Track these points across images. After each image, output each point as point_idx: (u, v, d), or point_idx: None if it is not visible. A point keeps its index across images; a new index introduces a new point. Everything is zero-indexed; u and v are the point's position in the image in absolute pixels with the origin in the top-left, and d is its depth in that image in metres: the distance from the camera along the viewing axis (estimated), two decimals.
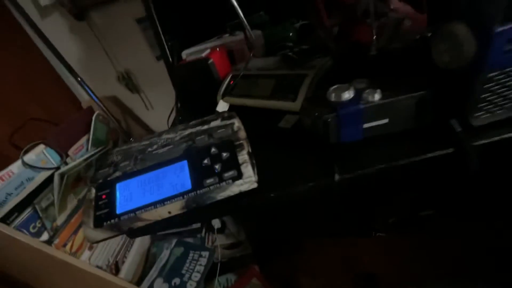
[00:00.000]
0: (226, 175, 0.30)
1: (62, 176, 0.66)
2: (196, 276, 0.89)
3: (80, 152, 0.85)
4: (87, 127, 0.89)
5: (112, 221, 0.32)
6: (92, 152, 0.80)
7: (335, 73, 0.44)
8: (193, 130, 0.37)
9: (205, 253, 0.94)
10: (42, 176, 0.72)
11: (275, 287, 0.85)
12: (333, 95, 0.31)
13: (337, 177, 0.28)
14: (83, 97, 1.11)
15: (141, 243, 0.88)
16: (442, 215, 0.84)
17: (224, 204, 0.31)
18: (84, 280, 0.71)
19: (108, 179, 0.35)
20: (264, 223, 0.88)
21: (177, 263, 0.94)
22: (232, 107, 0.53)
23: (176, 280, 0.89)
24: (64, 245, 0.67)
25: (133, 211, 0.31)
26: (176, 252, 0.98)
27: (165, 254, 0.97)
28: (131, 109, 1.14)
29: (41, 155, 0.76)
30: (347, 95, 0.31)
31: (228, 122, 0.36)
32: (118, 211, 0.32)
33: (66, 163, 0.79)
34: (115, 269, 0.77)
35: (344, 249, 0.92)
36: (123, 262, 0.79)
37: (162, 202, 0.30)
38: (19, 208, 0.63)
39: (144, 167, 0.34)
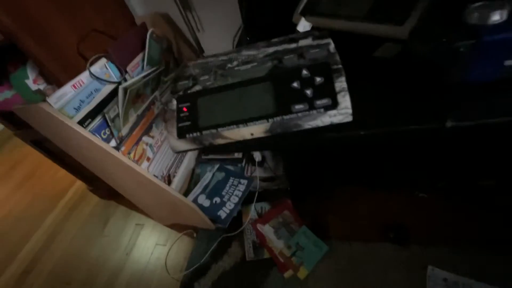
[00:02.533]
0: (319, 102, 0.27)
1: (125, 90, 0.69)
2: (235, 199, 0.98)
3: (137, 69, 0.87)
4: (142, 44, 0.89)
5: (195, 134, 0.33)
6: (149, 71, 0.81)
7: None
8: (279, 48, 0.33)
9: (244, 181, 1.02)
10: (107, 88, 0.77)
11: (304, 221, 0.92)
12: (475, 14, 0.23)
13: (450, 123, 0.24)
14: (136, 12, 1.08)
15: (188, 162, 0.97)
16: (501, 188, 0.77)
17: (311, 134, 0.29)
18: (144, 185, 0.83)
19: (189, 92, 0.35)
20: (306, 163, 0.89)
21: (218, 185, 1.04)
22: (315, 29, 0.44)
23: (217, 199, 1.00)
24: (129, 153, 0.76)
25: (215, 126, 0.31)
26: (218, 175, 1.07)
27: (208, 175, 1.07)
28: (181, 29, 1.09)
29: (104, 68, 0.80)
30: (498, 16, 0.22)
31: (322, 42, 0.31)
32: (200, 125, 0.32)
33: (125, 80, 0.82)
34: (168, 180, 0.87)
35: (379, 200, 0.92)
36: (174, 176, 0.89)
37: (245, 122, 0.29)
38: (92, 115, 0.70)
39: (226, 83, 0.33)
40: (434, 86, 0.26)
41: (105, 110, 0.68)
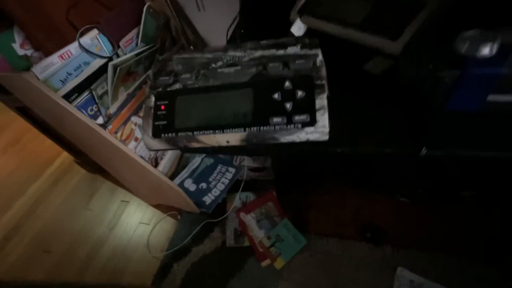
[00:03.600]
0: (297, 118, 0.27)
1: (115, 68, 0.67)
2: (221, 186, 0.99)
3: (130, 45, 0.84)
4: (137, 19, 0.85)
5: (170, 135, 0.32)
6: (142, 49, 0.78)
7: (467, 10, 0.28)
8: (266, 53, 0.32)
9: (232, 169, 1.02)
10: (97, 62, 0.73)
11: (286, 214, 0.94)
12: (466, 44, 0.22)
13: (424, 151, 0.24)
14: None
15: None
16: (481, 199, 0.80)
17: (285, 148, 0.29)
18: (130, 165, 0.82)
19: (168, 89, 0.34)
20: (291, 160, 0.89)
21: (206, 171, 1.04)
22: (309, 32, 0.42)
23: (203, 185, 1.00)
24: (116, 132, 0.74)
25: (191, 130, 0.30)
26: (207, 161, 1.06)
27: (196, 160, 1.07)
28: (182, 6, 1.04)
29: (95, 40, 0.76)
30: (488, 49, 0.21)
31: (310, 52, 0.30)
32: (176, 126, 0.32)
33: (118, 55, 0.79)
34: (155, 162, 0.87)
35: (361, 200, 0.95)
36: (162, 158, 0.88)
37: (221, 128, 0.29)
38: (78, 89, 0.67)
39: (207, 85, 0.32)
40: (417, 109, 0.26)
41: (92, 86, 0.66)
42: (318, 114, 0.27)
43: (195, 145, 0.32)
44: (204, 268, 0.90)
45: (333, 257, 0.86)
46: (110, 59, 0.72)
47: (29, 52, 0.81)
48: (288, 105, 0.28)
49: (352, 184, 0.91)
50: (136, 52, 0.74)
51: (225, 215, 0.96)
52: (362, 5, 0.35)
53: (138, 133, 0.83)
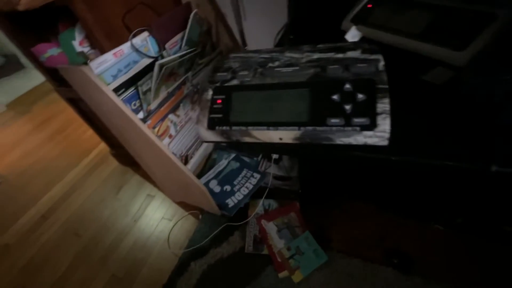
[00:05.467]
0: (356, 120, 0.26)
1: (161, 66, 0.71)
2: (244, 191, 0.99)
3: (174, 48, 0.89)
4: (183, 24, 0.91)
5: (224, 127, 0.33)
6: (186, 51, 0.83)
7: None
8: (324, 55, 0.32)
9: (257, 175, 1.02)
10: (144, 62, 0.79)
11: (308, 227, 0.91)
12: None
13: (494, 167, 0.22)
14: None
15: (207, 146, 0.99)
16: None
17: (340, 150, 0.28)
18: (161, 160, 0.86)
19: (226, 84, 0.35)
20: (321, 171, 0.88)
21: (231, 174, 1.05)
22: (363, 40, 0.41)
23: (227, 187, 1.01)
24: (154, 127, 0.79)
25: (246, 124, 0.31)
26: (233, 164, 1.08)
27: (223, 163, 1.09)
28: (224, 14, 1.09)
29: (144, 42, 0.82)
30: None
31: (371, 57, 0.30)
32: (231, 120, 0.33)
33: (162, 56, 0.85)
34: (185, 160, 0.89)
35: (390, 222, 0.89)
36: (191, 157, 0.91)
37: (276, 125, 0.29)
38: (126, 85, 0.73)
39: (264, 82, 0.33)
40: (484, 123, 0.24)
41: (139, 83, 0.70)
42: (379, 118, 0.26)
43: (247, 139, 0.32)
44: (220, 271, 0.89)
45: (355, 279, 0.81)
46: (156, 59, 0.77)
47: (85, 50, 0.90)
48: (348, 107, 0.27)
49: (382, 204, 0.86)
50: (180, 54, 0.79)
51: (246, 220, 0.96)
52: (421, 15, 0.34)
53: (173, 131, 0.87)
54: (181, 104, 0.90)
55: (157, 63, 0.70)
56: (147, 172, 1.07)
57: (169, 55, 0.86)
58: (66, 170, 1.50)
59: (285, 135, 0.29)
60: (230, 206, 0.96)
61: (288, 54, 0.35)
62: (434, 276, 0.77)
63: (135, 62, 0.79)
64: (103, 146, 1.58)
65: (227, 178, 1.04)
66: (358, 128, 0.26)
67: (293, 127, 0.29)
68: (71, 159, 1.59)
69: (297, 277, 0.83)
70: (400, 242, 0.86)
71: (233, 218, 0.97)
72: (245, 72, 0.34)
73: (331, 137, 0.27)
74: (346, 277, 0.82)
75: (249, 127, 0.31)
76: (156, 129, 0.80)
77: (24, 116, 2.20)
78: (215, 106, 0.33)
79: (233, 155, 1.11)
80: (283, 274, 0.84)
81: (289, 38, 0.55)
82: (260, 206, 0.99)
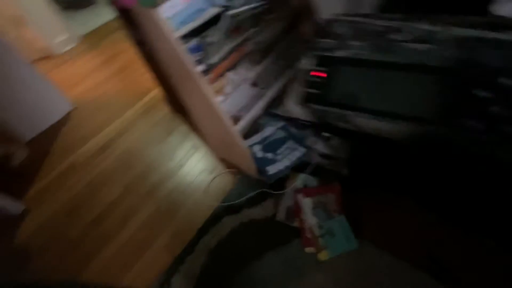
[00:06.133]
0: (508, 129, 0.19)
1: (230, 17, 0.67)
2: (286, 162, 0.98)
3: None
4: None
5: (320, 106, 0.28)
6: (258, 4, 0.76)
7: None
8: (473, 33, 0.24)
9: (302, 149, 0.99)
10: (210, 11, 0.75)
11: (345, 212, 0.88)
12: None
13: None
14: None
15: (257, 110, 0.96)
16: None
17: (461, 158, 0.22)
18: (212, 115, 0.87)
19: (332, 55, 0.29)
20: (376, 160, 0.81)
21: (276, 142, 1.03)
22: None
23: (270, 155, 1.01)
24: (212, 83, 0.78)
25: (350, 108, 0.26)
26: (279, 133, 1.05)
27: (270, 129, 1.07)
28: None
29: None
30: None
31: None
32: (332, 99, 0.27)
33: (229, 7, 0.79)
34: (234, 120, 0.89)
35: (436, 228, 0.82)
36: (241, 118, 0.90)
37: (390, 116, 0.23)
38: (192, 34, 0.71)
39: (385, 59, 0.26)
40: None
41: (204, 34, 0.68)
42: None
43: (344, 125, 0.27)
44: (249, 231, 0.94)
45: (381, 274, 0.79)
46: (225, 8, 0.72)
47: None
48: (497, 108, 0.20)
49: (433, 207, 0.78)
50: (253, 5, 0.72)
51: (283, 191, 0.96)
52: None
53: (228, 89, 0.86)
54: (241, 62, 0.86)
55: (227, 13, 0.66)
56: (196, 124, 1.10)
57: (236, 6, 0.80)
58: (124, 108, 1.64)
59: (394, 130, 0.24)
60: (269, 173, 0.96)
61: (418, 26, 0.27)
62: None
63: (202, 10, 0.76)
64: (158, 90, 1.66)
65: (271, 145, 1.03)
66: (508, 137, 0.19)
67: (412, 123, 0.22)
68: (129, 98, 1.71)
69: (323, 255, 0.83)
70: (440, 247, 0.79)
71: (270, 185, 0.98)
72: (358, 43, 0.28)
73: (463, 144, 0.21)
74: (372, 269, 0.80)
75: (353, 112, 0.25)
76: (214, 86, 0.79)
77: (94, 50, 2.38)
78: (314, 79, 0.28)
79: (281, 124, 1.07)
80: (309, 249, 0.85)
81: (395, 4, 0.43)
82: (299, 180, 0.97)
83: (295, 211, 0.92)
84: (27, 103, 1.53)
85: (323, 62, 0.27)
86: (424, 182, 0.66)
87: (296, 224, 0.90)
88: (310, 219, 0.89)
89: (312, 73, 0.28)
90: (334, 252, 0.83)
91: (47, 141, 1.56)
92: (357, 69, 0.26)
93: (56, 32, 2.35)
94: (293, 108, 0.29)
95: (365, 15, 0.30)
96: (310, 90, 0.27)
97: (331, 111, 0.26)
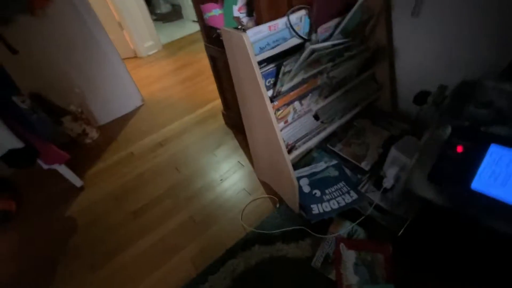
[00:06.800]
0: None
1: (312, 52, 0.67)
2: (334, 204, 0.90)
3: (325, 34, 0.83)
4: (343, 9, 0.82)
5: (457, 190, 0.21)
6: (339, 41, 0.75)
7: None
8: None
9: (354, 195, 0.91)
10: (291, 42, 0.77)
11: (393, 280, 0.75)
12: None
13: None
14: None
15: (312, 142, 0.92)
16: None
17: None
18: (268, 139, 0.86)
19: (481, 128, 0.22)
20: (444, 235, 0.68)
21: (326, 181, 0.97)
22: None
23: (317, 192, 0.95)
24: (278, 110, 0.77)
25: (502, 205, 0.18)
26: (331, 171, 0.99)
27: (321, 165, 1.01)
28: (392, 7, 0.93)
29: (298, 20, 0.79)
30: None
31: None
32: (473, 185, 0.21)
33: (310, 39, 0.80)
34: (289, 149, 0.87)
35: None
36: (296, 148, 0.87)
37: None
38: (269, 60, 0.72)
39: None
40: None
41: (284, 63, 0.68)
42: None
43: (496, 226, 0.20)
44: (279, 268, 0.87)
45: None
46: (307, 40, 0.73)
47: (241, 15, 0.94)
48: None
49: None
50: (335, 42, 0.72)
51: (326, 236, 0.88)
52: None
53: (290, 118, 0.85)
54: (310, 94, 0.85)
55: (311, 47, 0.65)
56: (248, 143, 1.11)
57: (318, 40, 0.80)
58: (185, 113, 1.76)
59: None
60: (313, 212, 0.89)
61: None
62: None
63: (284, 39, 0.77)
64: (217, 103, 1.75)
65: (320, 182, 0.97)
66: None
67: None
68: (191, 104, 1.84)
69: None
70: None
71: (311, 225, 0.91)
72: None
73: None
74: None
75: (502, 206, 0.19)
76: (279, 112, 0.79)
77: (171, 57, 2.67)
78: (450, 152, 0.23)
79: (334, 162, 1.01)
80: None
81: None
82: (345, 227, 0.88)
83: (335, 261, 0.83)
84: (110, 91, 1.75)
85: (467, 134, 0.21)
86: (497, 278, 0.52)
87: (332, 276, 0.81)
88: (350, 276, 0.79)
89: (449, 145, 0.22)
90: None
91: (116, 128, 1.75)
92: None
93: (145, 38, 2.72)
94: (419, 184, 0.23)
95: None
96: (443, 165, 0.21)
97: (472, 199, 0.20)
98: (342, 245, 0.84)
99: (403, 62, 1.04)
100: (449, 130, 0.22)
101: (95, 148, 1.60)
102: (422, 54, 0.96)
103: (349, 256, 0.82)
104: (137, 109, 1.92)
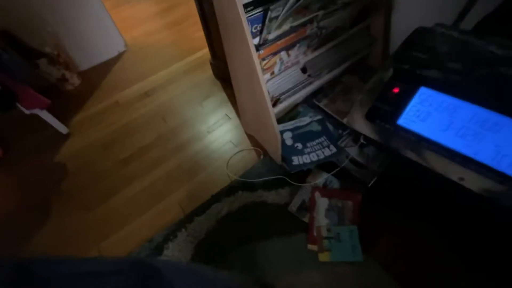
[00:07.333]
0: None
1: None
2: (314, 157, 0.95)
3: None
4: None
5: (387, 126, 0.25)
6: None
7: None
8: None
9: (333, 149, 0.95)
10: None
11: (359, 224, 0.85)
12: None
13: None
14: None
15: (298, 96, 0.92)
16: None
17: None
18: (254, 92, 0.85)
19: (416, 71, 0.25)
20: (412, 186, 0.75)
21: (308, 135, 1.00)
22: None
23: (299, 145, 0.99)
24: (263, 59, 0.75)
25: (419, 139, 0.22)
26: (314, 126, 1.02)
27: (305, 120, 1.03)
28: None
29: None
30: None
31: None
32: (399, 121, 0.24)
33: None
34: (274, 102, 0.87)
35: (450, 263, 0.77)
36: (281, 102, 0.88)
37: (468, 162, 0.19)
38: (256, 3, 0.67)
39: (487, 96, 0.21)
40: None
41: (271, 7, 0.64)
42: None
43: (411, 156, 0.24)
44: (259, 211, 0.96)
45: None
46: None
47: None
48: None
49: (456, 248, 0.72)
50: None
51: (302, 184, 0.95)
52: None
53: (277, 69, 0.83)
54: (298, 44, 0.82)
55: None
56: (235, 95, 1.10)
57: None
58: (172, 61, 1.68)
59: (472, 180, 0.21)
60: (293, 163, 0.95)
61: None
62: None
63: None
64: (205, 51, 1.66)
65: (302, 136, 1.00)
66: None
67: (491, 175, 0.19)
68: (179, 52, 1.74)
69: (323, 257, 0.83)
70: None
71: (291, 174, 0.97)
72: (457, 65, 0.23)
73: None
74: (370, 286, 0.78)
75: (424, 144, 0.22)
76: (264, 62, 0.77)
77: None
78: (387, 93, 0.25)
79: (318, 117, 1.03)
80: (312, 247, 0.85)
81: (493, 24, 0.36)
82: (321, 178, 0.95)
83: (309, 206, 0.91)
84: (88, 34, 1.62)
85: (405, 77, 0.23)
86: (456, 221, 0.61)
87: (306, 219, 0.90)
88: (321, 219, 0.88)
89: (388, 86, 0.24)
90: (336, 257, 0.83)
91: (99, 75, 1.67)
92: (446, 98, 0.22)
93: None
94: (357, 120, 0.26)
95: (479, 35, 0.24)
96: (380, 105, 0.23)
97: (399, 135, 0.23)
98: (317, 193, 0.92)
99: (402, 15, 0.99)
100: (390, 72, 0.24)
101: (77, 96, 1.55)
102: (424, 8, 0.91)
103: (322, 203, 0.90)
104: (120, 55, 1.81)
